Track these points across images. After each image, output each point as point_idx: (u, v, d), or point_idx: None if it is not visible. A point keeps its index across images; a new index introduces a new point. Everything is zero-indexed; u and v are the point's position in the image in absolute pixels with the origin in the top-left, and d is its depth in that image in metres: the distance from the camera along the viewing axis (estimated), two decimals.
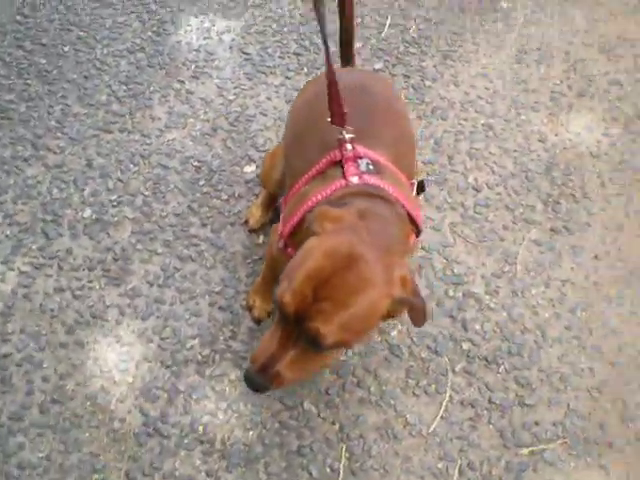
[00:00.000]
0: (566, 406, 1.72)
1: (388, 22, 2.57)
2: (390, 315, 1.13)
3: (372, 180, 1.28)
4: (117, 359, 1.77)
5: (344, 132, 1.29)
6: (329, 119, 1.30)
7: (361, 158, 1.30)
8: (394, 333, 1.80)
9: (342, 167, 1.30)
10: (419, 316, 1.16)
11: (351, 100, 1.34)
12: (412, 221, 1.33)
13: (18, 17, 2.54)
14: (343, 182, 1.28)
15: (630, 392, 1.75)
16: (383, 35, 2.52)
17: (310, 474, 1.60)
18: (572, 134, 2.26)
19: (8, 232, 1.99)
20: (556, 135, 2.24)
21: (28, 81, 2.35)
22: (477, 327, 1.82)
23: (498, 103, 2.32)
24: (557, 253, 1.98)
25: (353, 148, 1.29)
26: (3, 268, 1.92)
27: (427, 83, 2.36)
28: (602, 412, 1.72)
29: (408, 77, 2.38)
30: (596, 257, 1.96)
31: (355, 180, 1.27)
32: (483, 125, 2.25)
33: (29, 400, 1.69)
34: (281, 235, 1.40)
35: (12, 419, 1.66)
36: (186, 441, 1.64)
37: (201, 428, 1.66)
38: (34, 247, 1.95)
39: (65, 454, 1.63)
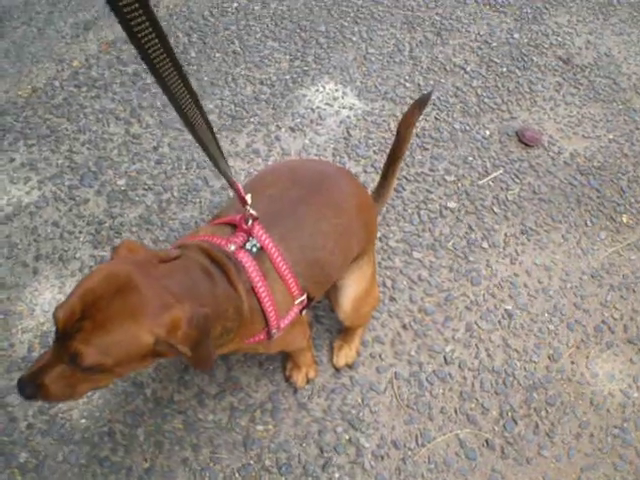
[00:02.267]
0: None
1: (496, 174, 2.70)
2: (159, 353, 1.23)
3: (243, 259, 1.42)
4: (48, 299, 2.14)
5: (249, 209, 1.43)
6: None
7: (251, 237, 1.46)
8: (260, 427, 1.94)
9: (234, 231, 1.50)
10: (195, 364, 1.27)
11: (294, 185, 1.58)
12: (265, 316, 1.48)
13: (206, 13, 3.15)
14: (222, 242, 1.45)
15: None
16: (481, 182, 2.66)
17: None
18: (589, 372, 2.20)
19: (60, 162, 2.50)
20: (572, 362, 2.20)
21: None
22: (336, 475, 1.88)
23: (538, 301, 2.33)
24: (472, 466, 1.96)
25: (252, 225, 1.45)
26: (35, 184, 2.42)
27: (484, 245, 2.45)
28: None
29: (471, 229, 2.48)
30: None
31: (231, 248, 1.43)
32: (505, 311, 2.28)
33: None
34: None
35: None
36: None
37: None
38: (67, 183, 2.43)
39: None
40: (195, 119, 1.11)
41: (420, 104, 1.79)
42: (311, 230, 1.55)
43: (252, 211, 1.42)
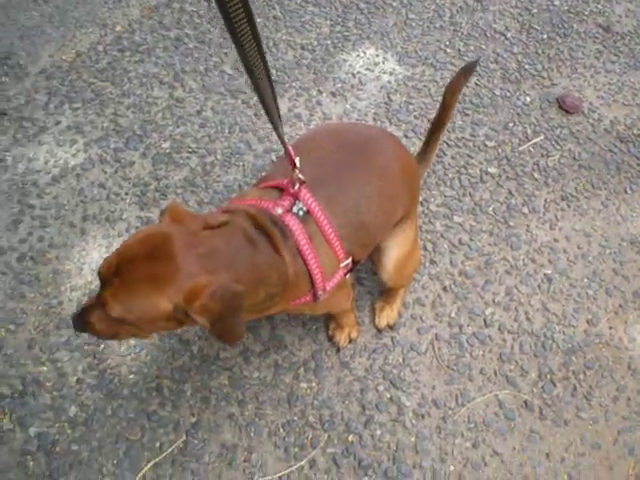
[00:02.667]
0: None
1: (536, 140, 2.69)
2: (180, 321, 1.27)
3: (290, 222, 1.44)
4: (96, 259, 2.18)
5: (297, 172, 1.45)
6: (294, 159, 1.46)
7: (298, 200, 1.48)
8: (304, 385, 1.98)
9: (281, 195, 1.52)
10: (217, 336, 1.28)
11: (339, 148, 1.59)
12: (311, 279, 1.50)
13: None
14: (269, 205, 1.47)
15: None
16: (521, 148, 2.65)
17: (143, 437, 1.87)
18: (627, 337, 2.20)
19: (105, 124, 2.53)
20: (610, 327, 2.20)
21: (212, 28, 2.92)
22: (378, 432, 1.93)
23: (577, 266, 2.34)
24: (511, 426, 1.98)
25: (299, 189, 1.47)
26: (81, 147, 2.46)
27: (524, 210, 2.45)
28: None
29: (511, 195, 2.49)
30: (547, 455, 1.94)
31: (278, 211, 1.45)
32: (545, 275, 2.29)
33: (17, 244, 2.19)
34: None
35: None
36: (86, 347, 2.00)
37: (102, 346, 2.00)
38: (112, 146, 2.46)
39: (7, 298, 2.08)
40: (261, 78, 1.12)
41: (466, 71, 1.79)
42: (356, 194, 1.56)
43: (300, 175, 1.44)
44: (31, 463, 1.81)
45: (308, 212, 1.46)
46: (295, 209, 1.45)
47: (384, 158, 1.64)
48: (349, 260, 1.58)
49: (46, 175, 2.37)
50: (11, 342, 2.00)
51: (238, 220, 1.39)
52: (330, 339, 2.06)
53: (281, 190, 1.51)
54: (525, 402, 2.03)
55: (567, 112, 2.76)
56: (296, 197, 1.46)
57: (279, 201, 1.47)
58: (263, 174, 2.35)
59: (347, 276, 1.67)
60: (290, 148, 1.38)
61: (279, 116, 1.24)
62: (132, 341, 2.02)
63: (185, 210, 1.33)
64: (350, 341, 2.06)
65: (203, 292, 1.20)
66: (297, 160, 1.41)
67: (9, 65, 2.69)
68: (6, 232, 2.21)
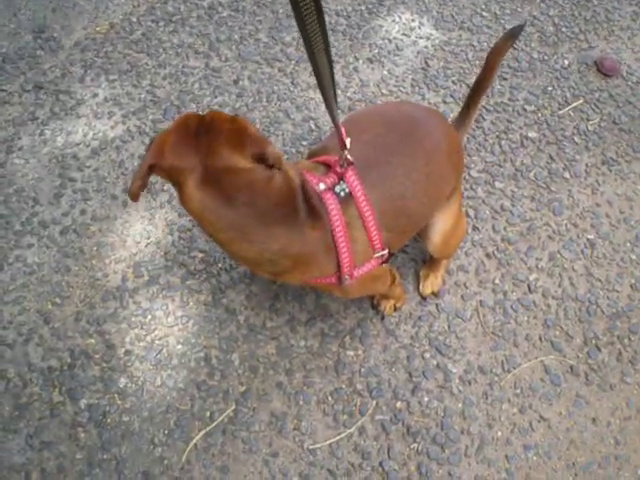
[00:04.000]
0: None
1: (576, 104, 2.64)
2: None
3: (329, 200, 1.43)
4: (139, 230, 2.17)
5: (347, 153, 1.42)
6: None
7: (342, 181, 1.46)
8: (350, 352, 1.98)
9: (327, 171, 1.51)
10: None
11: (387, 131, 1.56)
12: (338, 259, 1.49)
13: None
14: (314, 179, 1.46)
15: None
16: (561, 112, 2.60)
17: (193, 407, 1.88)
18: None
19: (143, 96, 2.50)
20: None
21: None
22: (425, 399, 1.92)
23: (620, 230, 2.31)
24: (557, 391, 1.98)
25: (346, 169, 1.45)
26: (119, 119, 2.43)
27: (566, 175, 2.41)
28: None
29: (552, 160, 2.45)
30: (593, 420, 1.93)
31: (321, 187, 1.44)
32: (588, 240, 2.26)
33: (59, 218, 2.19)
34: None
35: (40, 224, 2.19)
36: (133, 318, 2.02)
37: (149, 317, 2.01)
38: (150, 117, 2.44)
39: (52, 272, 2.08)
40: (319, 55, 1.09)
41: (512, 35, 1.74)
42: (402, 179, 1.53)
43: (349, 156, 1.41)
44: (82, 435, 1.82)
45: (350, 194, 1.45)
46: (338, 189, 1.44)
47: (432, 142, 1.61)
48: (385, 252, 1.57)
49: (86, 148, 2.36)
50: (58, 315, 2.01)
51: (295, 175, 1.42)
52: (375, 307, 2.05)
53: (328, 167, 1.50)
54: (571, 367, 2.02)
55: (606, 75, 2.70)
56: (341, 177, 1.45)
57: (323, 177, 1.46)
58: (304, 143, 2.36)
59: (384, 265, 1.65)
60: (343, 129, 1.35)
61: (335, 95, 1.21)
62: (179, 312, 2.03)
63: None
64: (395, 309, 2.04)
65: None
66: (348, 141, 1.38)
67: (43, 39, 2.67)
68: (49, 206, 2.21)
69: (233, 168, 1.29)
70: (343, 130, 1.35)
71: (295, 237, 1.40)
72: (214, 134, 1.29)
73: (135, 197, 1.28)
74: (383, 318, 2.04)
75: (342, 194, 1.44)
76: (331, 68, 1.09)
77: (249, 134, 1.30)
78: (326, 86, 1.11)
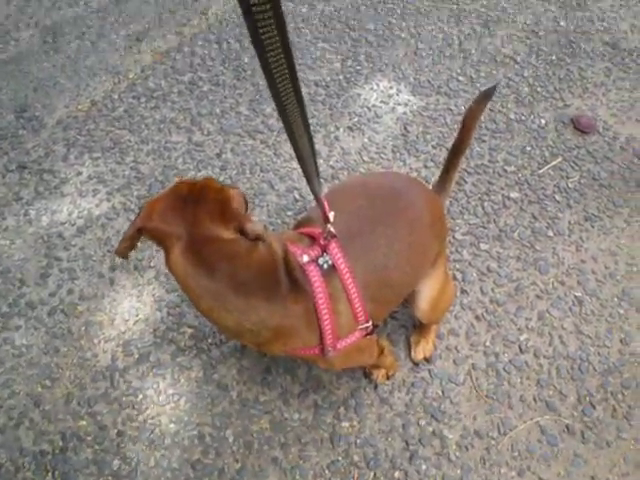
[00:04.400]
0: None
1: (555, 162, 2.69)
2: None
3: (312, 272, 1.44)
4: (127, 308, 2.18)
5: (330, 227, 1.43)
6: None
7: (326, 253, 1.47)
8: (345, 424, 1.96)
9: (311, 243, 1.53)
10: None
11: (369, 203, 1.59)
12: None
13: None
14: (298, 251, 1.47)
15: None
16: (541, 171, 2.65)
17: None
18: None
19: (127, 172, 2.54)
20: None
21: (224, 70, 2.94)
22: (423, 467, 1.91)
23: (607, 285, 2.32)
24: (554, 451, 1.96)
25: (329, 241, 1.46)
26: (104, 196, 2.46)
27: (549, 233, 2.45)
28: None
29: (535, 219, 2.48)
30: (592, 478, 1.90)
31: (304, 259, 1.45)
32: (575, 297, 2.28)
33: (47, 298, 2.18)
34: None
35: (27, 306, 2.18)
36: (124, 398, 1.99)
37: (140, 397, 2.00)
38: (135, 194, 2.47)
39: (40, 353, 2.07)
40: (297, 129, 1.11)
41: (486, 96, 1.78)
42: (385, 250, 1.55)
43: (332, 229, 1.43)
44: None
45: (334, 267, 1.46)
46: (321, 261, 1.45)
47: (414, 212, 1.63)
48: (369, 324, 1.56)
49: (71, 227, 2.38)
50: (48, 398, 1.99)
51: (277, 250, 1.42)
52: (367, 376, 2.05)
53: (312, 238, 1.52)
54: (567, 426, 2.01)
55: (582, 132, 2.77)
56: (325, 249, 1.46)
57: (307, 249, 1.47)
58: (289, 213, 2.38)
59: (370, 337, 1.65)
60: (325, 203, 1.37)
61: (316, 167, 1.22)
62: (170, 390, 2.01)
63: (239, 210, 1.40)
64: (388, 378, 2.04)
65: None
66: (331, 215, 1.40)
67: (25, 118, 2.71)
68: (35, 286, 2.21)
69: (216, 238, 1.31)
70: (326, 203, 1.37)
71: (275, 309, 1.40)
72: (201, 203, 1.33)
73: (123, 255, 1.36)
74: (376, 387, 2.03)
75: (325, 266, 1.45)
76: (311, 140, 1.11)
77: (230, 208, 1.34)
78: (306, 160, 1.12)
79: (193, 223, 1.31)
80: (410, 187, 1.71)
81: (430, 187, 2.03)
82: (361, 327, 1.55)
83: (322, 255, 1.46)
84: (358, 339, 1.57)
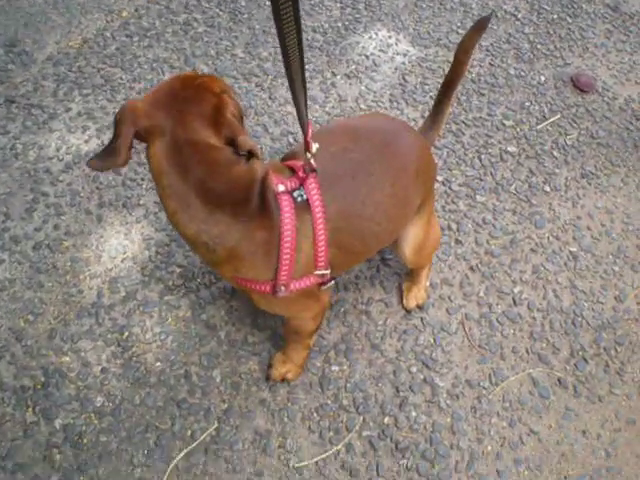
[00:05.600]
0: None
1: (553, 119, 2.65)
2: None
3: (284, 202, 1.38)
4: (115, 245, 2.10)
5: (310, 157, 1.39)
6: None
7: (303, 187, 1.41)
8: (335, 368, 1.92)
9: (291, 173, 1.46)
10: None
11: (356, 146, 1.51)
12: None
13: None
14: (276, 180, 1.40)
15: None
16: (539, 127, 2.61)
17: (173, 425, 1.80)
18: None
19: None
20: (637, 304, 2.16)
21: (220, 12, 2.84)
22: (413, 413, 1.86)
23: (602, 243, 2.30)
24: (546, 404, 1.93)
25: (307, 175, 1.41)
26: (93, 133, 2.37)
27: (546, 188, 2.41)
28: None
29: (532, 174, 2.44)
30: (583, 432, 1.88)
31: (280, 188, 1.39)
32: (570, 253, 2.25)
33: (32, 233, 2.10)
34: None
35: (12, 240, 2.10)
36: (109, 335, 1.93)
37: (126, 334, 1.93)
38: None
39: (24, 288, 2.00)
40: (294, 60, 1.05)
41: (479, 27, 1.66)
42: (364, 198, 1.49)
43: (312, 161, 1.38)
44: (58, 456, 1.73)
45: (307, 202, 1.40)
46: (296, 194, 1.39)
47: (401, 161, 1.57)
48: (327, 271, 1.50)
49: (59, 162, 2.28)
50: (30, 332, 1.92)
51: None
52: (268, 367, 1.91)
53: (294, 171, 1.45)
54: (559, 380, 1.98)
55: (582, 91, 2.72)
56: (302, 183, 1.40)
57: (285, 180, 1.41)
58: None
59: (322, 288, 1.58)
60: (310, 130, 1.32)
61: (305, 94, 1.20)
62: (157, 328, 1.95)
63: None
64: (283, 380, 1.89)
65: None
66: (314, 146, 1.35)
67: (15, 52, 2.60)
68: (20, 221, 2.12)
69: (201, 141, 1.27)
70: (310, 131, 1.32)
71: (238, 228, 1.34)
72: (194, 103, 1.28)
73: (125, 163, 1.28)
74: (368, 333, 1.99)
75: (299, 199, 1.40)
76: (302, 67, 1.08)
77: (224, 115, 1.29)
78: (297, 84, 1.10)
79: (180, 121, 1.26)
80: (400, 134, 1.63)
81: (420, 125, 1.94)
82: (318, 272, 1.49)
83: (298, 188, 1.40)
84: (312, 284, 1.51)
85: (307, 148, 1.35)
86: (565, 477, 1.82)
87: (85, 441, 1.76)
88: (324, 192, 1.41)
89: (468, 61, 1.70)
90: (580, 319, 2.10)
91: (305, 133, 1.31)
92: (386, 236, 1.63)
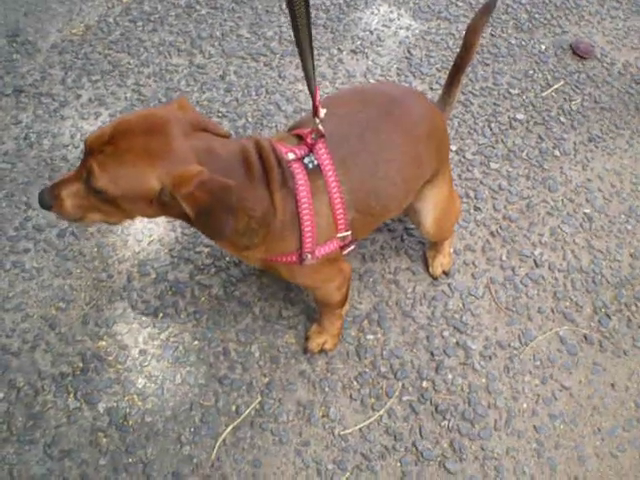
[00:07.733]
0: None
1: (557, 86, 2.68)
2: (165, 204, 1.25)
3: (296, 170, 1.38)
4: (140, 229, 2.09)
5: (318, 123, 1.38)
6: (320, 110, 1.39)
7: (312, 153, 1.41)
8: (370, 337, 1.95)
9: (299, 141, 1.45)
10: (202, 229, 1.29)
11: (365, 107, 1.50)
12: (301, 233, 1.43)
13: None
14: (284, 149, 1.40)
15: None
16: (544, 94, 2.64)
17: (217, 402, 1.80)
18: None
19: (129, 95, 2.42)
20: None
21: None
22: (449, 376, 1.89)
23: (613, 203, 2.33)
24: (574, 360, 1.97)
25: (316, 141, 1.40)
26: (106, 119, 2.35)
27: (556, 153, 2.44)
28: None
29: (541, 139, 2.47)
30: (612, 386, 1.93)
31: (289, 157, 1.38)
32: (585, 214, 2.28)
33: (55, 221, 2.08)
34: None
35: (35, 229, 2.08)
36: (143, 318, 1.91)
37: (160, 315, 1.91)
38: None
39: (52, 276, 1.98)
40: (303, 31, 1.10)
41: (486, 10, 1.70)
42: (375, 157, 1.48)
43: (320, 126, 1.38)
44: (104, 440, 1.73)
45: (319, 167, 1.39)
46: (307, 160, 1.39)
47: (411, 121, 1.55)
48: (348, 233, 1.50)
49: (75, 149, 2.26)
50: (63, 320, 1.91)
51: (245, 142, 1.36)
52: (305, 339, 1.92)
53: (301, 139, 1.44)
54: (585, 336, 2.02)
55: (582, 57, 2.74)
56: (312, 149, 1.40)
57: (294, 147, 1.41)
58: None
59: (344, 252, 1.59)
60: (318, 95, 1.32)
61: (313, 60, 1.21)
62: (191, 308, 1.95)
63: (193, 107, 1.32)
64: (321, 351, 1.91)
65: (193, 179, 1.18)
66: (322, 111, 1.35)
67: (18, 42, 2.56)
68: (41, 209, 2.09)
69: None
70: (318, 95, 1.32)
71: (269, 202, 1.35)
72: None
73: None
74: (398, 301, 2.00)
75: (310, 166, 1.39)
76: (310, 35, 1.12)
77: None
78: (305, 49, 1.12)
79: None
80: (408, 96, 1.62)
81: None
82: (340, 235, 1.49)
83: (308, 155, 1.40)
84: (336, 249, 1.51)
85: (315, 113, 1.35)
86: (599, 429, 1.86)
87: (130, 423, 1.76)
88: (334, 154, 1.41)
89: (477, 43, 1.71)
90: (600, 277, 2.14)
91: (314, 98, 1.31)
92: (402, 196, 1.61)
